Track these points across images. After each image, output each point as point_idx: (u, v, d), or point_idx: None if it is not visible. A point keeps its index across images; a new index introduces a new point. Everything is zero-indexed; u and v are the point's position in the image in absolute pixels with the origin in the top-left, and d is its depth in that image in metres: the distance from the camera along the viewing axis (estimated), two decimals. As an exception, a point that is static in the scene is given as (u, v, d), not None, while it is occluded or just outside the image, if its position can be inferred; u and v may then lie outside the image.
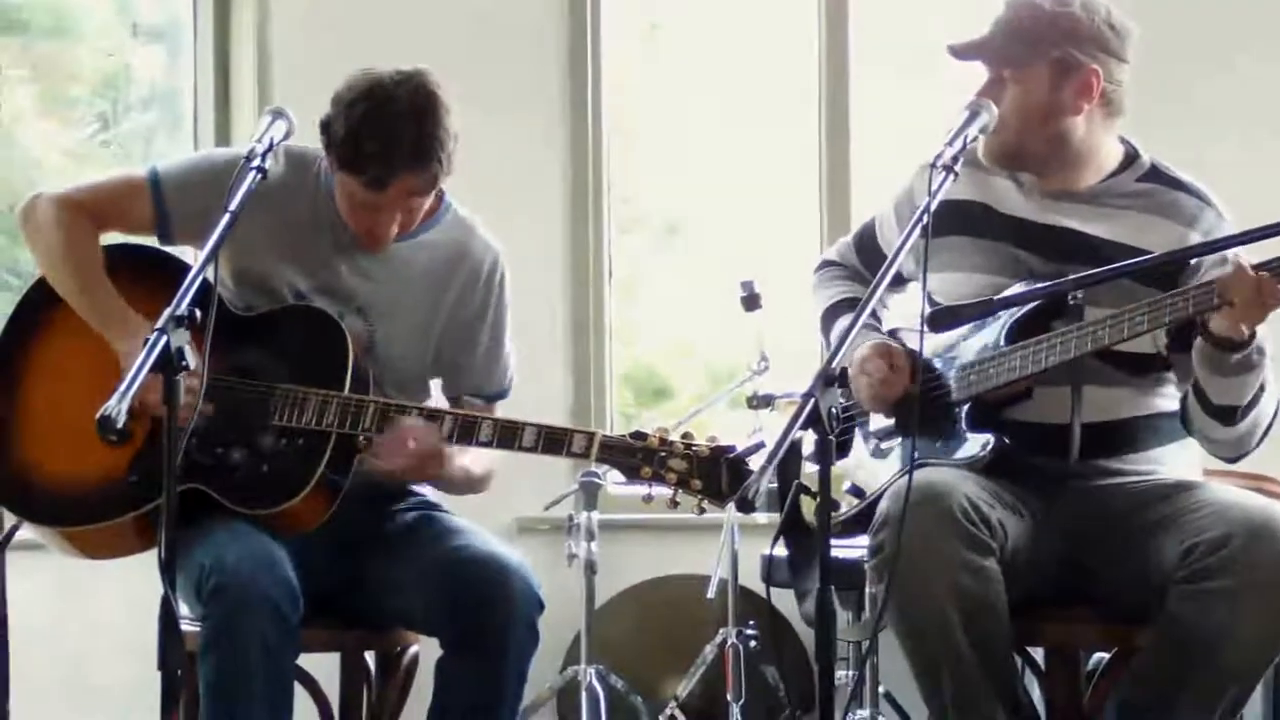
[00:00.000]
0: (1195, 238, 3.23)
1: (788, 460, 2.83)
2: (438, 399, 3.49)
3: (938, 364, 3.29)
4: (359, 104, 3.21)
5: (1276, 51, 5.28)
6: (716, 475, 3.15)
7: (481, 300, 3.46)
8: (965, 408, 3.23)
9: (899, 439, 3.33)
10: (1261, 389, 3.11)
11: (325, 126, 3.25)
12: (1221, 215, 3.27)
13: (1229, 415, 3.13)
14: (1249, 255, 3.02)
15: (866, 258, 3.55)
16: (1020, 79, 3.24)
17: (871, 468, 3.39)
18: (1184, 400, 3.21)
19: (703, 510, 3.18)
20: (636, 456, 3.17)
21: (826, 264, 3.64)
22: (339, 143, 3.23)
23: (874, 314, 3.39)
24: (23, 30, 5.54)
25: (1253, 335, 3.02)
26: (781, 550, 3.45)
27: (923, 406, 3.21)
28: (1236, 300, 2.95)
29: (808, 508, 3.32)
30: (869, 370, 3.29)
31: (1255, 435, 3.17)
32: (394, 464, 3.22)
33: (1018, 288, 3.21)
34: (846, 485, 3.38)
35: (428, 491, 3.50)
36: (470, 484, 3.43)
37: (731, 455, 3.15)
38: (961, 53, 3.28)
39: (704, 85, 5.81)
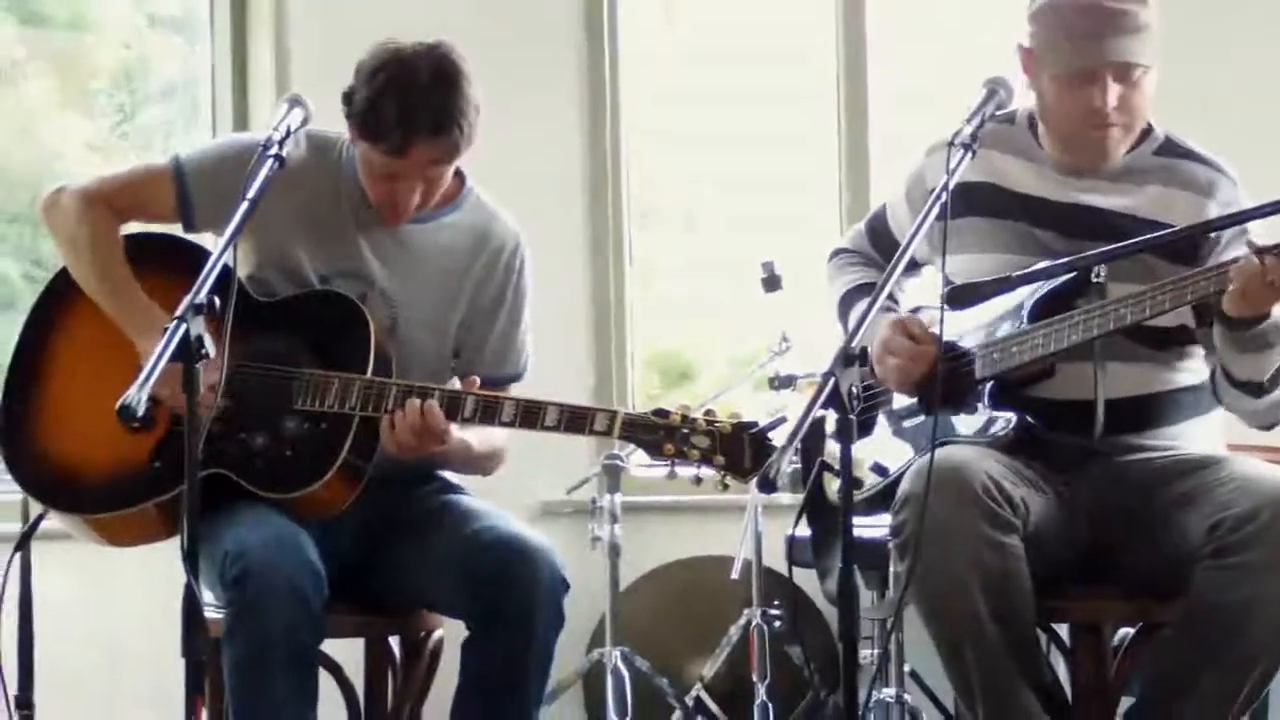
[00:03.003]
0: (1213, 208, 3.22)
1: (811, 439, 2.83)
2: (455, 381, 3.49)
3: (963, 342, 3.28)
4: (380, 72, 3.23)
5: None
6: (739, 451, 3.14)
7: (501, 283, 3.46)
8: (989, 385, 3.23)
9: (921, 417, 3.33)
10: None
11: (348, 97, 3.27)
12: (1236, 184, 3.27)
13: (1254, 390, 3.12)
14: (1265, 227, 3.01)
15: (879, 243, 3.54)
16: (1153, 75, 3.22)
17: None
18: (1213, 373, 3.20)
19: (726, 486, 3.16)
20: (659, 434, 3.16)
21: (840, 251, 3.63)
22: (360, 111, 3.24)
23: (891, 297, 3.37)
24: (42, 23, 5.55)
25: (1266, 315, 3.00)
26: (804, 530, 3.45)
27: (947, 384, 3.20)
28: (1241, 284, 2.94)
29: (831, 486, 3.33)
30: (894, 349, 3.27)
31: None
32: (391, 440, 3.21)
33: (1038, 265, 3.20)
34: (870, 463, 3.37)
35: (450, 475, 3.50)
36: (472, 461, 3.41)
37: (754, 431, 3.14)
38: (1120, 59, 3.18)
39: (723, 68, 5.81)
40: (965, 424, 3.25)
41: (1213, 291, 2.99)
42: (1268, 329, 3.02)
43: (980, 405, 3.22)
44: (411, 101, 3.20)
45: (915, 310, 3.41)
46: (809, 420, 2.65)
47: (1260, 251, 2.92)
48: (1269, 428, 3.23)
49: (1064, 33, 3.19)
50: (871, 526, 3.49)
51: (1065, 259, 3.15)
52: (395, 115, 3.20)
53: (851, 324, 3.40)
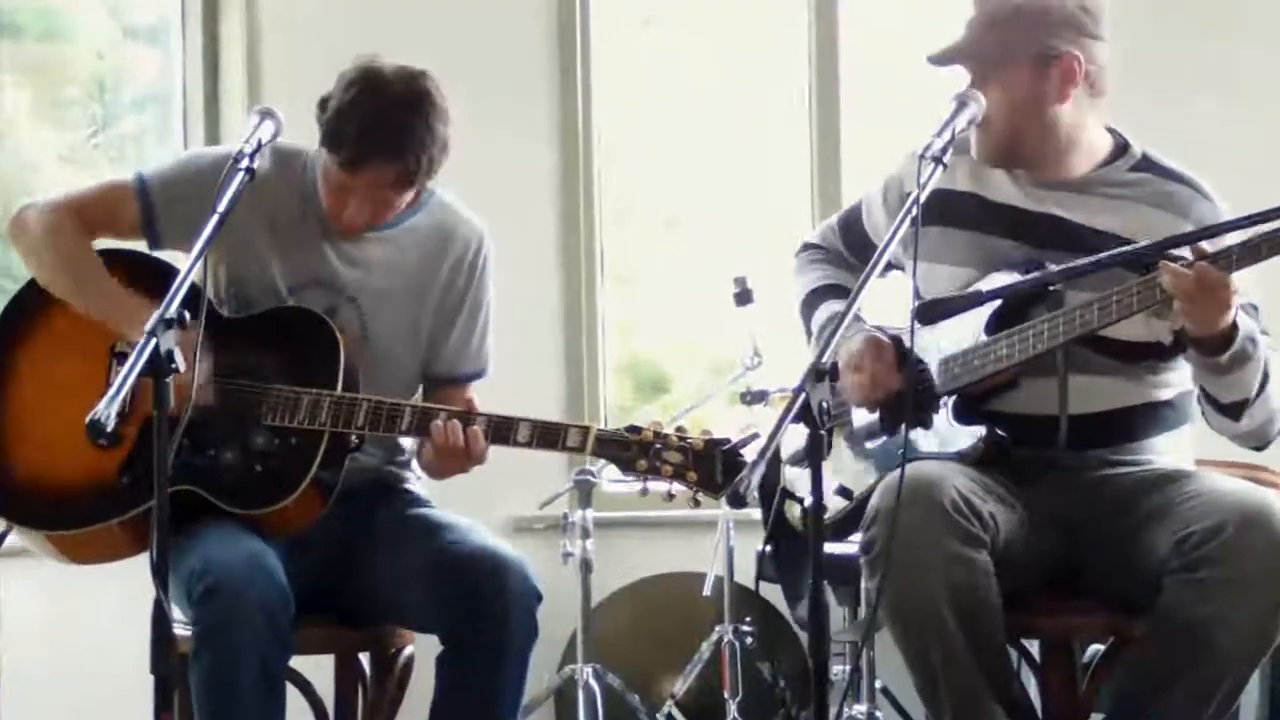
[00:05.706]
0: (1188, 228, 3.21)
1: (767, 467, 2.81)
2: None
3: (922, 357, 3.28)
4: (355, 86, 3.25)
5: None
6: (711, 467, 3.16)
7: (465, 280, 3.46)
8: (951, 401, 3.23)
9: (883, 437, 3.33)
10: (1266, 376, 3.07)
11: (323, 103, 3.29)
12: (1215, 205, 3.24)
13: (1238, 410, 3.10)
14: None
15: (851, 241, 3.54)
16: (1002, 78, 3.21)
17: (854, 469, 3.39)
18: (1198, 398, 3.19)
19: (698, 503, 3.20)
20: (632, 450, 3.18)
21: (808, 246, 3.63)
22: (328, 119, 3.26)
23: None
24: (15, 34, 5.53)
25: (1234, 328, 3.00)
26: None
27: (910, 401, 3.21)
28: (1181, 298, 2.94)
29: (793, 512, 3.33)
30: (862, 367, 3.28)
31: (1276, 421, 3.15)
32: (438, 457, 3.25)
33: (1002, 277, 3.19)
34: (834, 486, 3.37)
35: (419, 489, 3.50)
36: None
37: (726, 447, 3.16)
38: (941, 60, 3.25)
39: (697, 78, 5.81)
40: (928, 440, 3.25)
41: (1159, 299, 2.99)
42: (1243, 344, 3.01)
43: (934, 418, 3.22)
44: (374, 121, 3.21)
45: (879, 329, 3.40)
46: (781, 434, 2.65)
47: (1200, 258, 2.92)
48: (1261, 448, 3.22)
49: None
50: (840, 546, 3.48)
51: (1032, 275, 3.15)
52: (355, 131, 3.22)
53: (815, 325, 3.42)
